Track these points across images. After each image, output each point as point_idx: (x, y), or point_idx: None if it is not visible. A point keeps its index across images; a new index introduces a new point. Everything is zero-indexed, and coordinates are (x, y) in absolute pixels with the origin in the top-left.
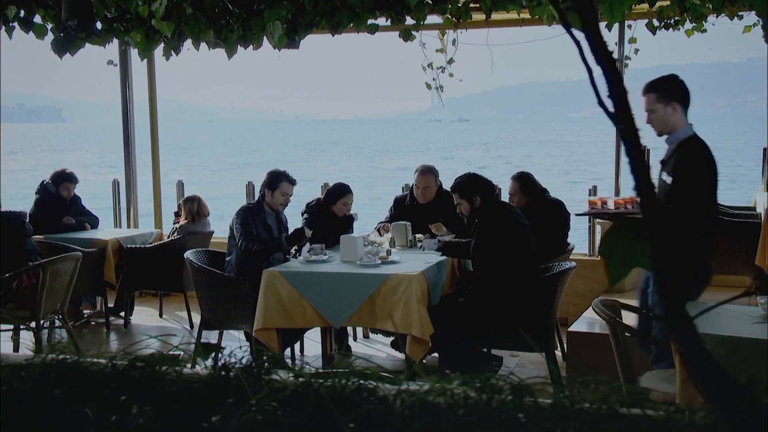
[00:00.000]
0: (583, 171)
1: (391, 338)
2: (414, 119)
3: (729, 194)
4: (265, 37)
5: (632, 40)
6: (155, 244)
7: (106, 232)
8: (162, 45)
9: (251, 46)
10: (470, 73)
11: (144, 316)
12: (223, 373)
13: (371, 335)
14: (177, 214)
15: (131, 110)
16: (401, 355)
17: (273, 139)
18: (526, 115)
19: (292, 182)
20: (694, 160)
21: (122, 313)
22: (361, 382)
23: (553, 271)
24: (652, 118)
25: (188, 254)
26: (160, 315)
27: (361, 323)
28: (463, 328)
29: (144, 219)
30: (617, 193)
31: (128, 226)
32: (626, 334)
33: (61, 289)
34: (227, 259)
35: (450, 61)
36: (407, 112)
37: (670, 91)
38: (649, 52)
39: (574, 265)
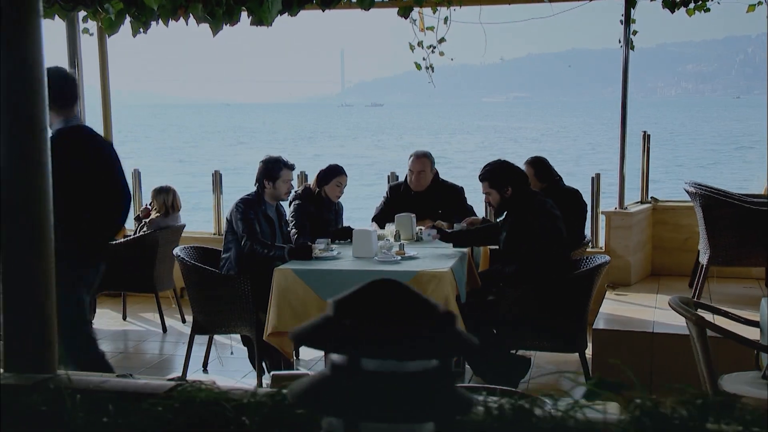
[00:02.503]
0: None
1: None
2: (324, 104)
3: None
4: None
5: (632, 21)
6: (122, 240)
7: None
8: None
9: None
10: (382, 56)
11: (105, 319)
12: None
13: None
14: (138, 219)
15: (81, 93)
16: None
17: (180, 124)
18: (444, 100)
19: (292, 168)
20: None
21: None
22: None
23: (584, 265)
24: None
25: (177, 251)
26: (124, 317)
27: None
28: (494, 329)
29: None
30: (622, 181)
31: None
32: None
33: None
34: (224, 256)
35: (441, 40)
36: (316, 97)
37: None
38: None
39: (608, 260)
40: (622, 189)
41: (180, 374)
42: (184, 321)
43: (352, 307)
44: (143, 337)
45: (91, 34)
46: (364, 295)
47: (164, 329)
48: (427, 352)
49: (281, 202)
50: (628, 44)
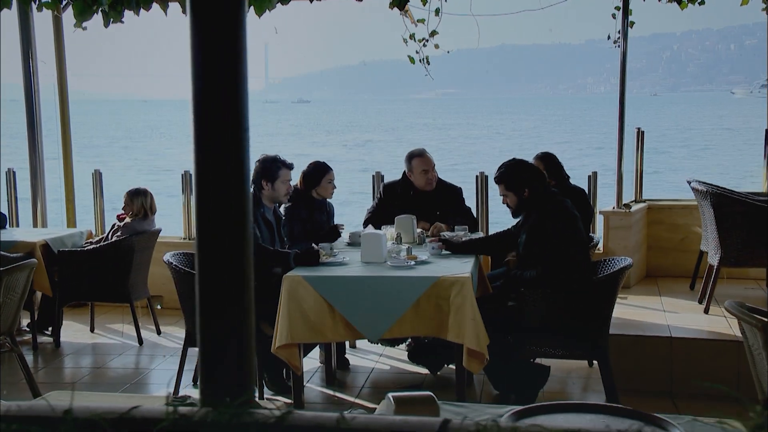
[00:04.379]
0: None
1: (397, 347)
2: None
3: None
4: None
5: (629, 12)
6: (94, 246)
7: (26, 232)
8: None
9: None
10: (306, 51)
11: (71, 331)
12: None
13: (358, 344)
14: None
15: (36, 89)
16: (413, 368)
17: (102, 122)
18: (371, 96)
19: (290, 167)
20: None
21: (50, 329)
22: None
23: (602, 268)
24: None
25: (168, 257)
26: (92, 329)
27: (402, 334)
28: (513, 335)
29: (51, 217)
30: (620, 179)
31: (35, 225)
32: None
33: (13, 304)
34: None
35: (433, 33)
36: None
37: None
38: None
39: (630, 262)
40: (620, 188)
41: (169, 391)
42: (159, 332)
43: None
44: (116, 351)
45: (84, 29)
46: None
47: (140, 341)
48: None
49: (278, 205)
50: (626, 37)
